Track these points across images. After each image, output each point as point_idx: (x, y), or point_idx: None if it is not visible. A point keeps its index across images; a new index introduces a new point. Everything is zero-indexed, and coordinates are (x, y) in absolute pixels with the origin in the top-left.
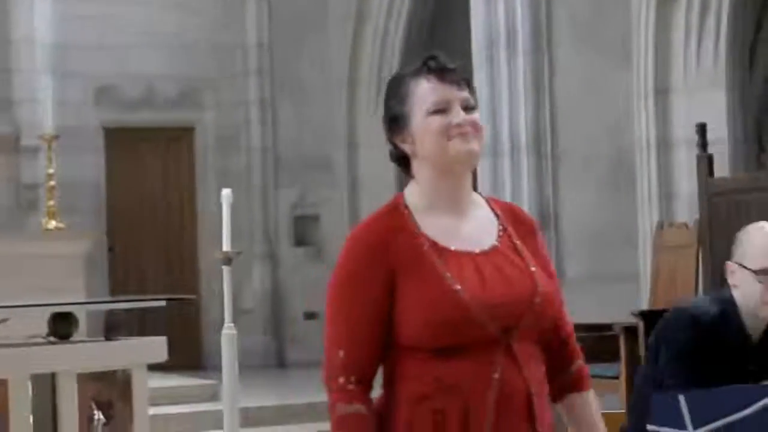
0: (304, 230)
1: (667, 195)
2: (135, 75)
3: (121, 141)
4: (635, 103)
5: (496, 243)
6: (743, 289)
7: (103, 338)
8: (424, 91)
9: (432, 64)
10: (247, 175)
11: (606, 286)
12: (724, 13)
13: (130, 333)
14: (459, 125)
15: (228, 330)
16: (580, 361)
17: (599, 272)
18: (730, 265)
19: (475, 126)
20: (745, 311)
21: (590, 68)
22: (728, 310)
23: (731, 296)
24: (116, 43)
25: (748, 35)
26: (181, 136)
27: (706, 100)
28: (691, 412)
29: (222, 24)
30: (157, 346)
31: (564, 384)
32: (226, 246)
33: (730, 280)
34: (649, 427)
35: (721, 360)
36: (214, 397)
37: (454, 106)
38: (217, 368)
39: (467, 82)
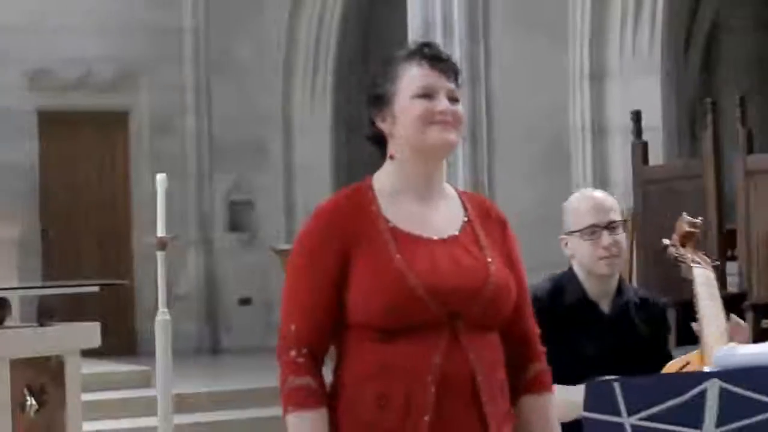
0: (239, 216)
1: (601, 182)
2: (70, 58)
3: (55, 124)
4: (571, 89)
5: (456, 233)
6: (577, 254)
7: (36, 323)
8: (414, 75)
9: (426, 50)
10: (182, 160)
11: (541, 273)
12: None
13: (64, 318)
14: (441, 113)
15: (162, 316)
16: (540, 364)
17: (534, 259)
18: (562, 239)
19: (457, 117)
20: (584, 277)
21: (526, 55)
22: (564, 280)
23: (570, 268)
24: (51, 26)
25: (683, 21)
26: (116, 120)
27: (641, 87)
28: (625, 399)
29: (158, 7)
30: (90, 332)
31: (519, 385)
32: (160, 231)
33: (567, 253)
34: (584, 414)
35: (572, 333)
36: (147, 382)
37: (439, 94)
38: (151, 354)
39: (456, 75)
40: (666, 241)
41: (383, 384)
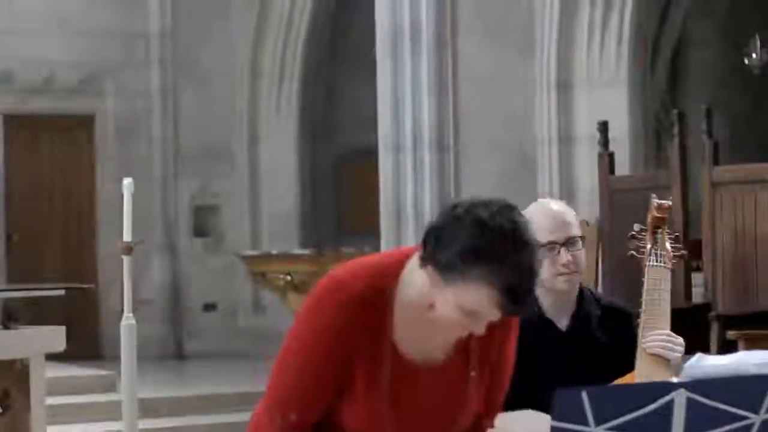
0: (203, 221)
1: (568, 191)
2: (35, 61)
3: (20, 128)
4: (538, 98)
5: (450, 359)
6: None
7: (0, 327)
8: (477, 297)
9: (512, 306)
10: (147, 165)
11: None
12: (628, 10)
13: (28, 322)
14: (476, 333)
15: (127, 320)
16: None
17: None
18: None
19: (485, 328)
20: (542, 292)
21: (494, 63)
22: None
23: None
24: (16, 29)
25: (651, 31)
26: (81, 124)
27: (607, 97)
28: (593, 408)
29: (124, 11)
30: (55, 336)
31: None
32: (126, 236)
33: None
34: (551, 423)
35: (526, 352)
36: (112, 387)
37: (484, 321)
38: (115, 358)
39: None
40: (636, 228)
41: None
